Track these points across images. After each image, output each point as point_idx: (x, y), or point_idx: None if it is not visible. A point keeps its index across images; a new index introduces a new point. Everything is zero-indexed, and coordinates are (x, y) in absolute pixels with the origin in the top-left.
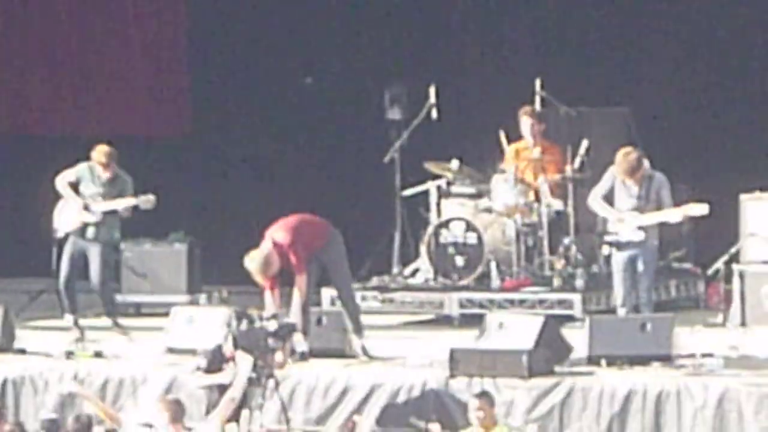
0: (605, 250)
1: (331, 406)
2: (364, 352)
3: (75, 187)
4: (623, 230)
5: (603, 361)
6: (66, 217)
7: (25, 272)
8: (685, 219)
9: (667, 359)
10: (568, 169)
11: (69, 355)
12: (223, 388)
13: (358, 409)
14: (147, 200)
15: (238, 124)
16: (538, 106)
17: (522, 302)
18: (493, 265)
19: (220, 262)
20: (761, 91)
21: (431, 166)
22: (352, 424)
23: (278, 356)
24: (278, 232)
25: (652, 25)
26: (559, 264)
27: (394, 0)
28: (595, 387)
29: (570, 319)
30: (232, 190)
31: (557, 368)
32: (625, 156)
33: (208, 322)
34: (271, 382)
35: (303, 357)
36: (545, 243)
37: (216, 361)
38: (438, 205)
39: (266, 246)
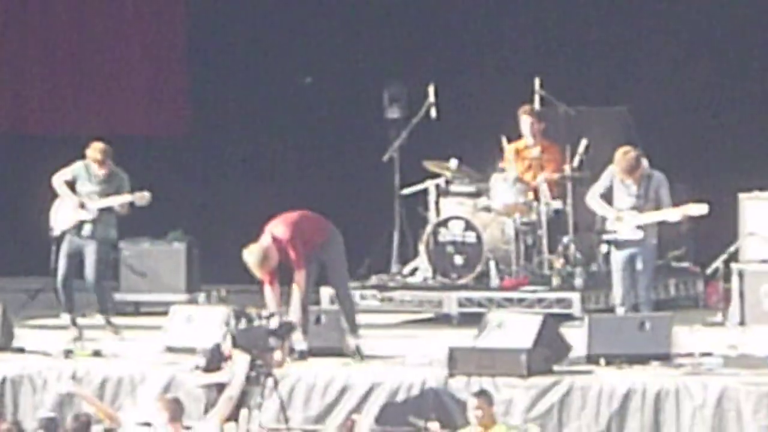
0: (604, 248)
1: (330, 405)
2: (358, 352)
3: (72, 185)
4: (622, 229)
5: (602, 360)
6: (62, 216)
7: (24, 271)
8: (684, 218)
9: (666, 358)
10: (567, 168)
11: (67, 353)
12: (221, 387)
13: (357, 408)
14: (142, 197)
15: (237, 123)
16: (537, 105)
17: (521, 301)
18: (492, 264)
19: (219, 261)
20: (760, 90)
21: (430, 165)
22: (351, 423)
23: (277, 355)
24: (278, 227)
25: (651, 25)
26: (558, 263)
27: None
28: (594, 386)
29: (569, 318)
30: (231, 189)
31: (556, 367)
32: (623, 155)
33: (206, 321)
34: (270, 381)
35: (302, 356)
36: (544, 242)
37: (215, 360)
38: (437, 204)
39: (265, 240)
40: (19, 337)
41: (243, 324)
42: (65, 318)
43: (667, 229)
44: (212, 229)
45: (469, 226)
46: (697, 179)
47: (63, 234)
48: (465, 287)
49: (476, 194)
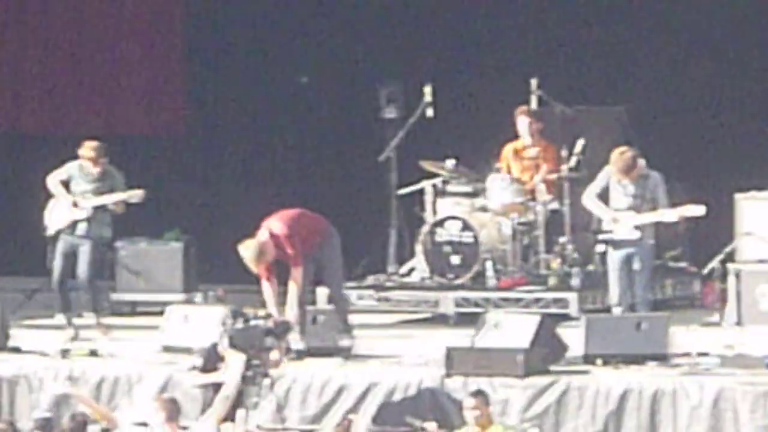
0: (601, 248)
1: (326, 405)
2: (348, 353)
3: (66, 185)
4: (619, 229)
5: (599, 360)
6: (57, 215)
7: (20, 271)
8: (681, 219)
9: (662, 358)
10: (564, 168)
11: (64, 353)
12: (218, 387)
13: (354, 408)
14: (135, 194)
15: (234, 123)
16: (534, 105)
17: (518, 301)
18: (488, 264)
19: (216, 260)
20: (757, 90)
21: (427, 165)
22: (348, 423)
23: (274, 355)
24: (276, 223)
25: (648, 25)
26: (555, 263)
27: None
28: (591, 386)
29: (566, 318)
30: (228, 189)
31: (553, 367)
32: (620, 155)
33: (203, 321)
34: (266, 381)
35: (299, 356)
36: (541, 242)
37: (211, 360)
38: (434, 203)
39: (262, 235)
40: (16, 337)
41: (240, 324)
42: (61, 318)
43: (664, 229)
44: (209, 229)
45: (466, 226)
46: (693, 179)
47: (57, 233)
48: (462, 287)
49: (473, 194)
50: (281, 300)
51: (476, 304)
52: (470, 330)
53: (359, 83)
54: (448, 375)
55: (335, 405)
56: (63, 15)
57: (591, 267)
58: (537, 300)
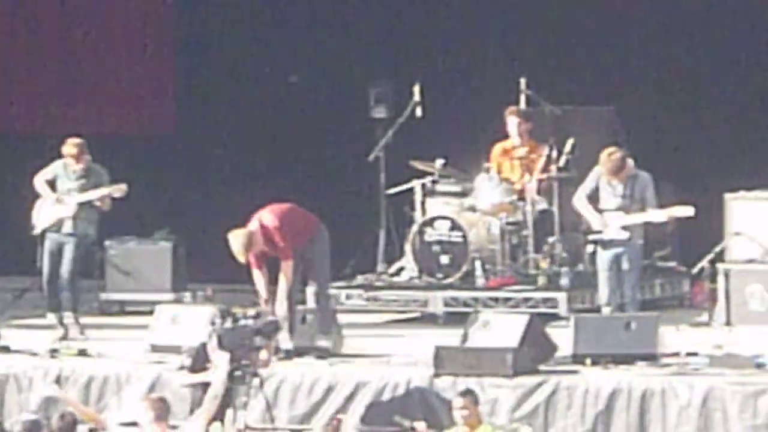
0: (590, 248)
1: (315, 405)
2: (326, 353)
3: (53, 185)
4: (608, 229)
5: (588, 360)
6: (43, 215)
7: (9, 270)
8: (671, 219)
9: (652, 358)
10: (553, 168)
11: (53, 353)
12: (207, 387)
13: (343, 408)
14: (119, 189)
15: (223, 122)
16: (523, 104)
17: (507, 301)
18: (477, 263)
19: (205, 260)
20: (746, 90)
21: (418, 164)
22: (337, 423)
23: (263, 354)
24: (267, 215)
25: (637, 24)
26: (544, 263)
27: None
28: (580, 386)
29: (555, 317)
30: (216, 188)
31: (542, 367)
32: (609, 156)
33: (192, 321)
34: (255, 381)
35: (288, 355)
36: (530, 242)
37: (200, 359)
38: (423, 203)
39: (252, 225)
40: (5, 336)
41: (229, 323)
42: (51, 317)
43: (653, 229)
44: (198, 229)
45: (455, 226)
46: (683, 179)
47: (44, 232)
48: (451, 287)
49: (462, 194)
50: (271, 298)
51: (465, 304)
52: (459, 330)
53: (349, 83)
54: (437, 375)
55: (324, 404)
56: (52, 14)
57: (580, 267)
58: (526, 300)
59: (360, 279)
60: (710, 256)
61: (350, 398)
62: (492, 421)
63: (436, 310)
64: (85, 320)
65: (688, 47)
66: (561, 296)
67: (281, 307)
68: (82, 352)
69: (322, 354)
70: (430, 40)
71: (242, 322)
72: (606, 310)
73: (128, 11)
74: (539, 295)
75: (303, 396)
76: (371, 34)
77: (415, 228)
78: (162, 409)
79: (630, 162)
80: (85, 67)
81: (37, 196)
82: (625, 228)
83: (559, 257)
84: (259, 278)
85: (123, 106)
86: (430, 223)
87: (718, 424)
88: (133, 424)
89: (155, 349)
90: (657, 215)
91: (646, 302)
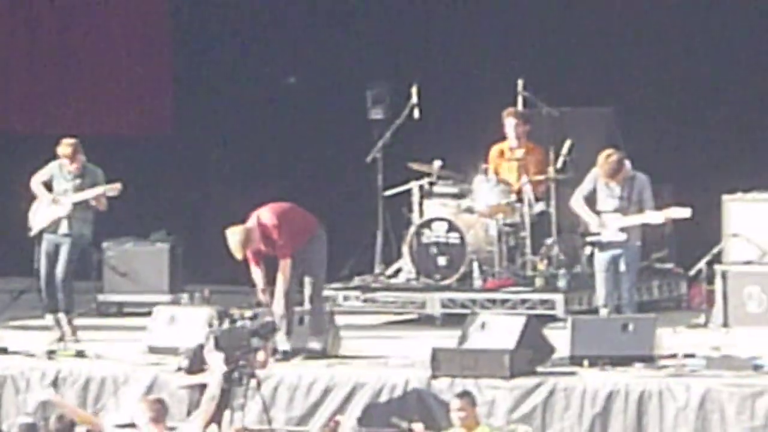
0: (587, 250)
1: (313, 406)
2: (318, 354)
3: (49, 186)
4: (605, 231)
5: (585, 362)
6: (40, 216)
7: (7, 272)
8: (668, 221)
9: (649, 360)
10: (551, 169)
11: (50, 354)
12: (204, 388)
13: (341, 409)
14: (113, 187)
15: (221, 123)
16: (520, 106)
17: (504, 302)
18: (475, 265)
19: (203, 261)
20: (744, 92)
21: (416, 166)
22: (335, 424)
23: (260, 356)
24: (265, 213)
25: (634, 26)
26: (542, 264)
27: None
28: (578, 387)
29: (552, 319)
30: (214, 189)
31: (539, 368)
32: (606, 158)
33: (190, 322)
34: (253, 382)
35: (285, 356)
36: (527, 243)
37: (198, 361)
38: (420, 205)
39: (251, 222)
40: (3, 337)
41: (226, 324)
42: (49, 319)
43: (651, 230)
44: (195, 230)
45: (452, 228)
46: (680, 181)
47: (40, 233)
48: (448, 288)
49: (459, 195)
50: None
51: (463, 305)
52: (457, 331)
53: (346, 84)
54: (435, 376)
55: (322, 406)
56: (50, 15)
57: (577, 268)
58: (523, 301)
59: (357, 280)
60: (708, 258)
61: (348, 399)
62: (489, 422)
63: (434, 311)
64: (82, 321)
65: (686, 49)
66: (558, 298)
67: (278, 306)
68: (80, 354)
69: (313, 355)
70: (427, 41)
71: (239, 323)
72: (603, 312)
73: (126, 12)
74: (536, 296)
75: (300, 397)
76: (369, 35)
77: (412, 229)
78: (159, 411)
79: (627, 164)
80: (83, 67)
81: (34, 197)
82: (622, 230)
83: (557, 259)
84: (256, 273)
85: (121, 106)
86: (427, 224)
87: (716, 426)
88: (131, 425)
89: (153, 350)
90: (654, 217)
91: (643, 304)
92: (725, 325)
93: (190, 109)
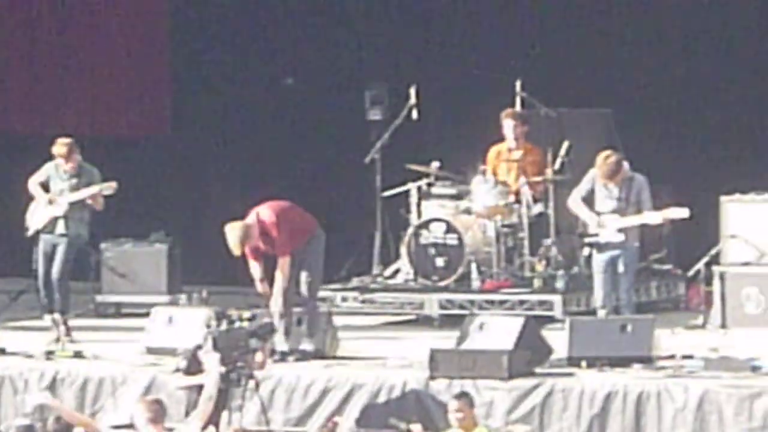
0: (586, 251)
1: (311, 407)
2: (309, 356)
3: (46, 187)
4: (604, 232)
5: (583, 363)
6: (37, 216)
7: (5, 272)
8: (666, 221)
9: (647, 361)
10: (549, 171)
11: (49, 355)
12: (203, 389)
13: (339, 410)
14: (109, 186)
15: (219, 124)
16: (518, 107)
17: (502, 303)
18: (473, 266)
19: (201, 262)
20: (742, 93)
21: (414, 167)
22: (333, 425)
23: (258, 356)
24: (265, 210)
25: (632, 27)
26: (540, 265)
27: (374, 1)
28: (576, 388)
29: (550, 320)
30: (212, 190)
31: (537, 369)
32: (604, 159)
33: (188, 323)
34: (251, 383)
35: (283, 357)
36: (526, 244)
37: (196, 361)
38: (418, 206)
39: (250, 219)
40: (1, 338)
41: (224, 325)
42: (47, 319)
43: (649, 231)
44: (194, 231)
45: (450, 229)
46: (678, 182)
47: (38, 234)
48: (446, 289)
49: (458, 196)
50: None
51: (461, 306)
52: (455, 332)
53: (344, 85)
54: (433, 377)
55: (320, 407)
56: (49, 16)
57: (575, 269)
58: (521, 302)
59: (355, 281)
60: (706, 259)
61: (346, 400)
62: (487, 423)
63: (432, 312)
64: (80, 322)
65: (685, 50)
66: (556, 299)
67: (276, 304)
68: (78, 354)
69: (304, 357)
70: (426, 42)
71: (237, 324)
72: (601, 313)
73: (126, 13)
74: (535, 297)
75: (298, 398)
76: (367, 36)
77: (410, 230)
78: (158, 411)
79: (626, 165)
80: (82, 68)
81: (32, 197)
82: (620, 231)
83: (555, 260)
84: (254, 266)
85: (120, 107)
86: (425, 225)
87: (714, 427)
88: (129, 426)
89: (151, 351)
90: (652, 217)
91: (641, 305)
92: (723, 326)
93: (188, 110)
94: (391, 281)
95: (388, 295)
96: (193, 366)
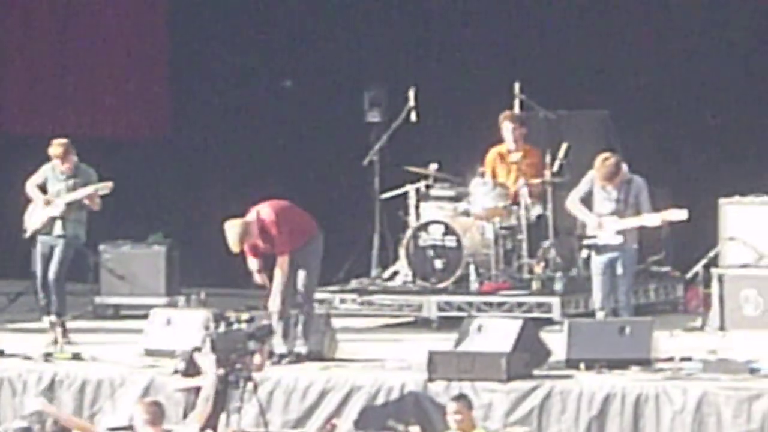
0: (584, 253)
1: (309, 409)
2: (303, 358)
3: (44, 189)
4: (602, 234)
5: (582, 365)
6: (34, 218)
7: (4, 274)
8: (665, 223)
9: (645, 363)
10: (547, 173)
11: (47, 357)
12: (200, 391)
13: (337, 412)
14: (105, 185)
15: (218, 126)
16: (517, 109)
17: (501, 305)
18: (471, 268)
19: (199, 264)
20: (740, 95)
21: (413, 169)
22: (331, 427)
23: (256, 358)
24: (265, 209)
25: (631, 29)
26: (538, 267)
27: (372, 3)
28: (574, 390)
29: (549, 322)
30: (211, 192)
31: (536, 371)
32: (603, 161)
33: (186, 325)
34: (249, 385)
35: (281, 359)
36: (524, 246)
37: (194, 363)
38: (417, 208)
39: (250, 217)
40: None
41: (222, 327)
42: (46, 321)
43: (648, 233)
44: (192, 232)
45: (449, 231)
46: (677, 184)
47: (35, 235)
48: (445, 291)
49: (456, 198)
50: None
51: (459, 309)
52: (453, 334)
53: (343, 87)
54: (431, 379)
55: (318, 408)
56: (48, 17)
57: (574, 271)
58: (520, 304)
59: (354, 283)
60: (704, 261)
61: (344, 402)
62: (486, 425)
63: (430, 314)
64: (79, 324)
65: (683, 52)
66: (555, 301)
67: (275, 302)
68: (76, 356)
69: (298, 359)
70: (424, 44)
71: (236, 326)
72: (600, 315)
73: (125, 14)
74: (533, 299)
75: (297, 400)
76: (366, 38)
77: (409, 232)
78: (156, 413)
79: (624, 166)
80: (81, 69)
81: (30, 199)
82: (619, 232)
83: (553, 262)
84: (252, 262)
85: (118, 109)
86: (424, 227)
87: (712, 430)
88: (128, 428)
89: (149, 353)
90: (651, 219)
91: (640, 307)
92: (722, 328)
93: (187, 112)
94: (389, 283)
95: (386, 297)
96: (192, 368)
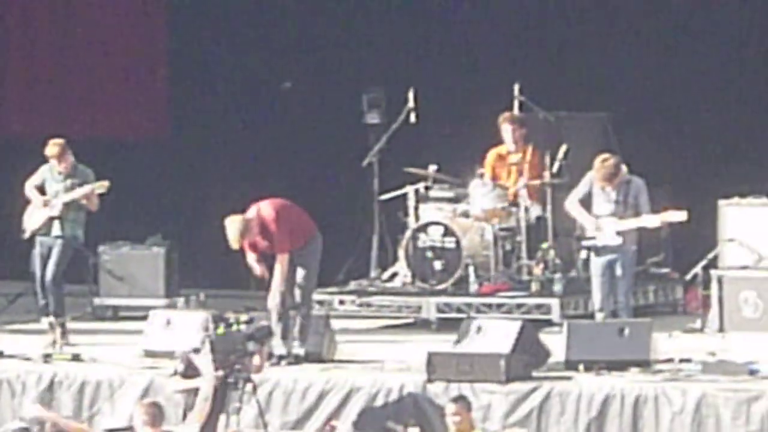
0: (583, 254)
1: (308, 410)
2: (300, 360)
3: (43, 191)
4: (601, 235)
5: (581, 366)
6: (33, 219)
7: (3, 275)
8: (664, 224)
9: (645, 364)
10: (547, 174)
11: (46, 358)
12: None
13: (336, 413)
14: (101, 185)
15: (217, 127)
16: (516, 110)
17: (500, 307)
18: (471, 269)
19: (198, 265)
20: (739, 96)
21: (412, 170)
22: (330, 428)
23: (256, 360)
24: (266, 206)
25: (630, 31)
26: (538, 269)
27: (372, 4)
28: (573, 392)
29: (548, 323)
30: (210, 193)
31: (535, 373)
32: (602, 163)
33: (185, 326)
34: (248, 386)
35: (280, 360)
36: (523, 248)
37: (193, 365)
38: (416, 209)
39: (250, 213)
40: None
41: (221, 329)
42: (45, 322)
43: (647, 235)
44: (191, 234)
45: (448, 232)
46: (676, 185)
47: (34, 236)
48: (444, 292)
49: (455, 200)
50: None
51: (458, 310)
52: (452, 335)
53: (342, 88)
54: (430, 380)
55: (317, 410)
56: (47, 18)
57: (573, 273)
58: (519, 306)
59: (353, 284)
60: (704, 263)
61: (343, 404)
62: (485, 427)
63: (429, 315)
64: (78, 325)
65: (682, 53)
66: (554, 302)
67: (273, 300)
68: (76, 357)
69: (296, 361)
70: (423, 45)
71: (235, 327)
72: (599, 316)
73: (124, 15)
74: (532, 301)
75: (296, 401)
76: (365, 39)
77: (408, 234)
78: (156, 414)
79: (623, 168)
80: (81, 70)
81: (29, 200)
82: (618, 234)
83: (552, 263)
84: (251, 257)
85: (117, 110)
86: (423, 228)
87: (711, 431)
88: (127, 429)
89: (148, 354)
90: (650, 220)
91: (639, 308)
92: (721, 329)
93: (187, 113)
94: (388, 284)
95: (385, 299)
96: (191, 369)
